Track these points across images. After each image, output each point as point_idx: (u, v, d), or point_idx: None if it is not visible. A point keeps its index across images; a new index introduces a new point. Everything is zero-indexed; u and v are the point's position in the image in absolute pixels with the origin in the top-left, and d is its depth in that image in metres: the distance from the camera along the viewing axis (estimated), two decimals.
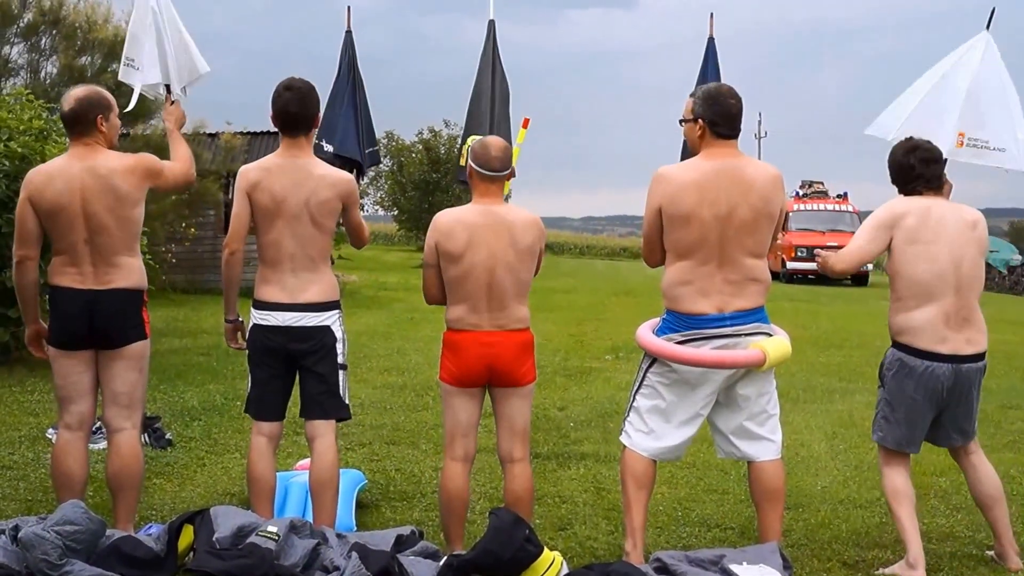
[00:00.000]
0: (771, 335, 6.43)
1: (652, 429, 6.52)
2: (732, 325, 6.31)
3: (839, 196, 44.27)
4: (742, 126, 6.48)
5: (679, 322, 6.38)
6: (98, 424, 7.19)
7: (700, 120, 6.38)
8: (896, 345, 6.74)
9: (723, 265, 6.27)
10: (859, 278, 41.76)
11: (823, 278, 40.16)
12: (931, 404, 6.67)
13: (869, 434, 10.87)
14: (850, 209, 43.32)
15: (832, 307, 28.38)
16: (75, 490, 6.61)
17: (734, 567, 6.08)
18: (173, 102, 7.35)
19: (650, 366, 6.55)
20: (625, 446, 6.61)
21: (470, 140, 6.91)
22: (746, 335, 6.33)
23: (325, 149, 9.26)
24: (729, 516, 7.92)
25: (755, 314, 6.37)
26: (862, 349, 18.63)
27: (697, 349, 6.28)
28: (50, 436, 9.32)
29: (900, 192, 6.81)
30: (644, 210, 6.46)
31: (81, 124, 6.59)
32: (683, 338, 6.34)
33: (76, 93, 6.67)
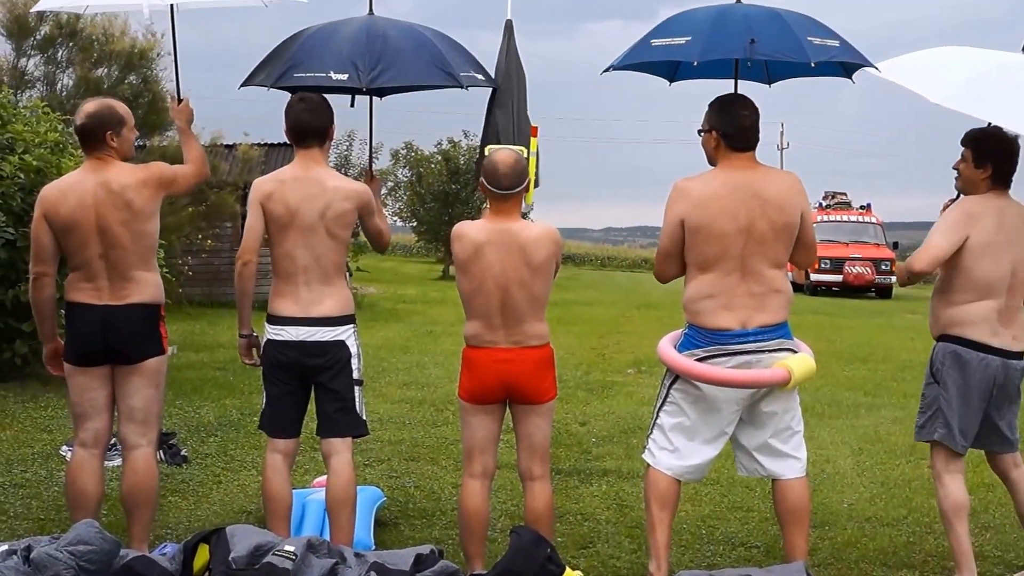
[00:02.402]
0: (795, 351, 6.33)
1: (676, 447, 6.41)
2: (755, 341, 6.21)
3: (862, 207, 44.09)
4: (759, 136, 6.40)
5: (701, 337, 6.29)
6: (113, 441, 7.11)
7: (714, 131, 6.33)
8: (946, 339, 6.62)
9: (746, 277, 6.19)
10: (883, 290, 41.64)
11: (847, 290, 40.12)
12: (983, 399, 6.56)
13: (895, 450, 10.97)
14: (874, 220, 43.19)
15: (856, 320, 28.27)
16: (89, 509, 6.52)
17: None
18: (181, 101, 7.24)
19: (673, 382, 6.45)
20: (649, 465, 6.50)
21: (488, 149, 6.77)
22: (770, 351, 6.23)
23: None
24: (754, 534, 7.83)
25: (779, 329, 6.28)
26: (887, 363, 18.55)
27: (720, 367, 6.19)
28: (63, 453, 9.26)
29: (986, 180, 6.62)
30: (664, 224, 6.35)
31: (92, 139, 6.52)
32: (705, 354, 6.25)
33: (87, 108, 6.60)
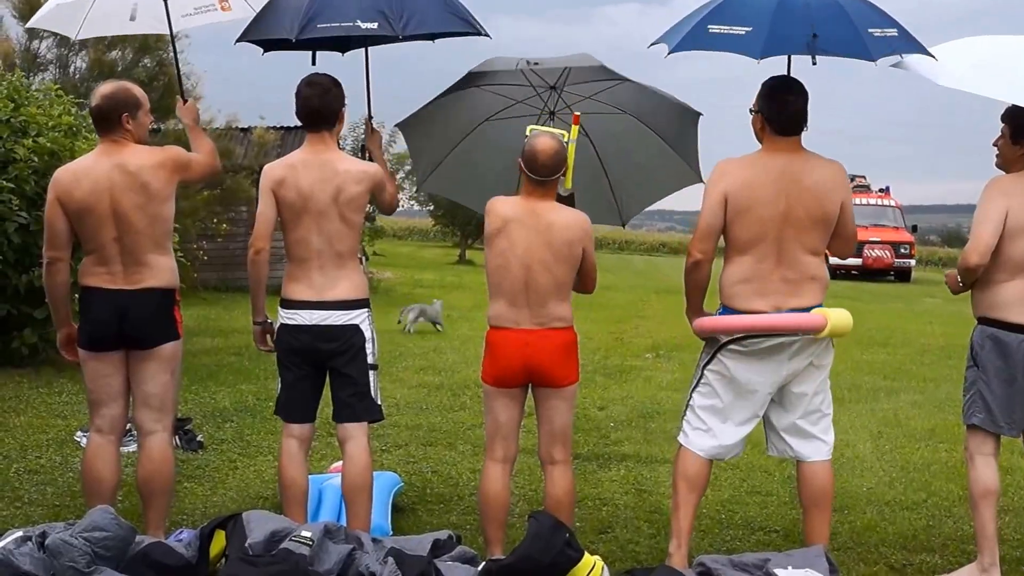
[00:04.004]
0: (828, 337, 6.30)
1: (709, 427, 6.41)
2: None
3: (881, 191, 44.01)
4: (806, 121, 6.30)
5: None
6: (129, 427, 7.09)
7: (760, 114, 6.30)
8: (985, 321, 6.54)
9: (781, 263, 6.15)
10: (902, 274, 41.52)
11: (866, 274, 40.03)
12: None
13: (915, 434, 10.93)
14: (892, 204, 43.06)
15: (876, 305, 28.21)
16: (105, 496, 6.49)
17: (779, 571, 5.96)
18: (186, 101, 7.20)
19: (707, 363, 6.43)
20: (681, 445, 6.49)
21: (528, 129, 6.69)
22: (802, 336, 6.19)
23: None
24: (773, 519, 7.82)
25: None
26: (907, 347, 18.52)
27: (753, 316, 6.16)
28: (78, 439, 9.25)
29: (1023, 157, 6.54)
30: (703, 202, 6.28)
31: (107, 122, 6.47)
32: (740, 335, 6.24)
33: (103, 90, 6.55)
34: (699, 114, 7.44)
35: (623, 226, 8.28)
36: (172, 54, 7.97)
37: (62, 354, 6.81)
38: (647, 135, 7.48)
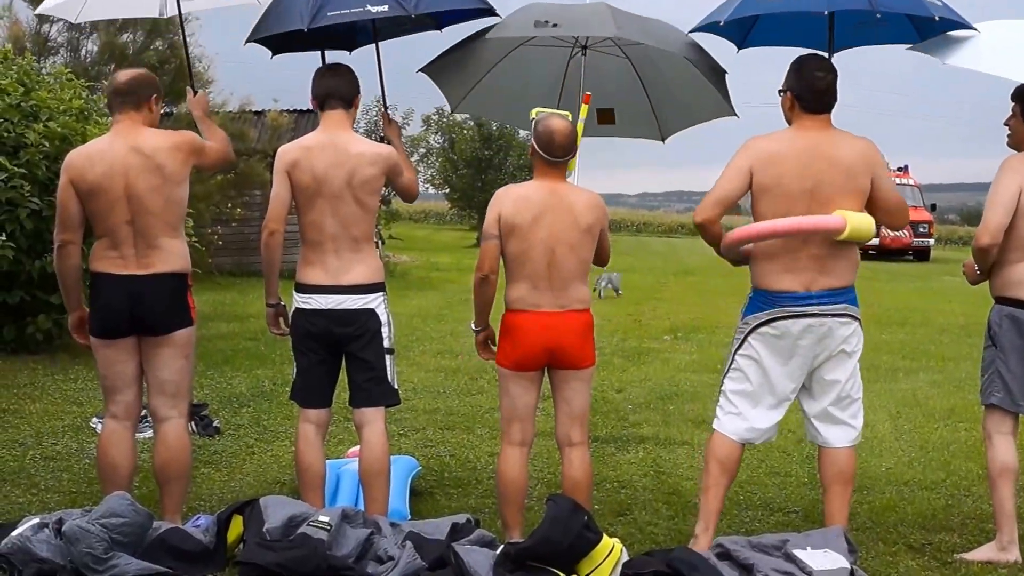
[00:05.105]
0: (859, 320, 6.29)
1: (740, 411, 6.39)
2: (819, 304, 6.15)
3: (899, 169, 43.76)
4: (835, 99, 6.27)
5: (765, 300, 6.25)
6: (144, 412, 7.04)
7: (789, 92, 6.26)
8: (1002, 301, 6.54)
9: (809, 240, 6.11)
10: (921, 253, 41.40)
11: (884, 254, 39.91)
12: None
13: (933, 414, 10.89)
14: (911, 182, 42.90)
15: (894, 284, 28.17)
16: (121, 482, 6.46)
17: (798, 552, 5.94)
18: (196, 93, 7.19)
19: (738, 348, 6.40)
20: (714, 429, 6.48)
21: (534, 112, 6.66)
22: (833, 315, 6.17)
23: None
24: (792, 499, 7.80)
25: (844, 294, 6.23)
26: (925, 327, 18.46)
27: (777, 220, 6.09)
28: (94, 426, 9.23)
29: None
30: (724, 170, 6.24)
31: (135, 97, 6.45)
32: (768, 317, 6.22)
33: (130, 72, 6.63)
34: (725, 71, 7.57)
35: (662, 141, 8.31)
36: (182, 38, 7.92)
37: (74, 338, 6.78)
38: (685, 66, 7.47)
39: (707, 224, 6.27)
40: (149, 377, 6.56)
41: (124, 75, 6.56)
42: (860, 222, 6.04)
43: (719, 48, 7.17)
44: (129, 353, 6.48)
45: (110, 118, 6.60)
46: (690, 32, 7.17)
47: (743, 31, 7.24)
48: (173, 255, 6.44)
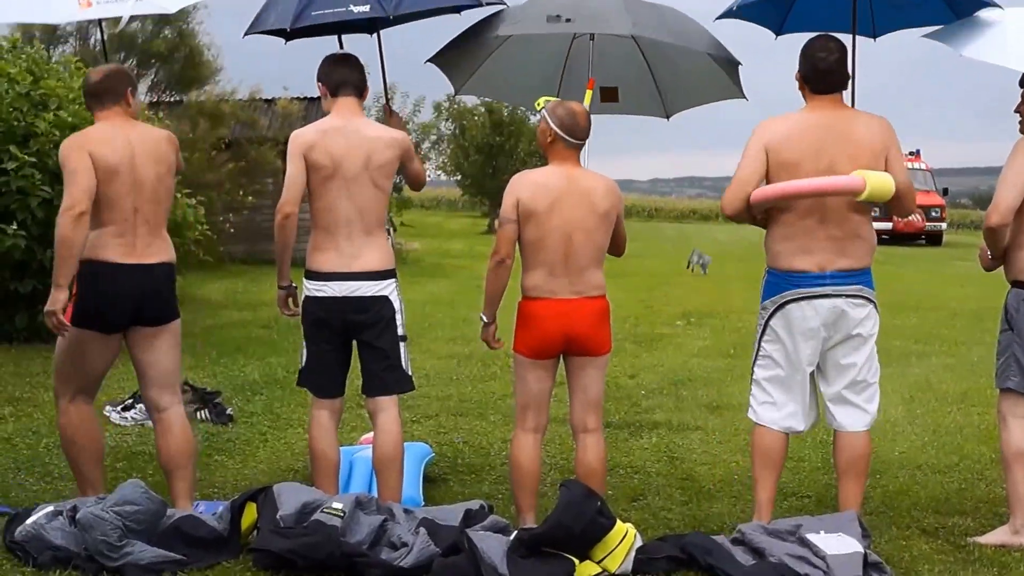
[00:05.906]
0: (875, 303, 6.29)
1: (775, 400, 6.40)
2: (833, 284, 6.16)
3: (911, 153, 43.65)
4: (844, 79, 6.30)
5: (780, 281, 6.27)
6: (131, 400, 6.98)
7: (799, 74, 6.29)
8: (1018, 285, 6.49)
9: (825, 220, 6.12)
10: (933, 238, 41.29)
11: (897, 238, 39.79)
12: None
13: (946, 398, 10.87)
14: (923, 167, 42.81)
15: (906, 268, 28.09)
16: (99, 459, 6.69)
17: (811, 536, 5.94)
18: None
19: (762, 335, 6.41)
20: (754, 424, 6.49)
21: (541, 101, 6.64)
22: (848, 296, 6.18)
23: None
24: (805, 484, 7.78)
25: (859, 276, 6.23)
26: (938, 311, 18.42)
27: (798, 180, 6.07)
28: (108, 414, 9.20)
29: None
30: (742, 157, 6.26)
31: (113, 94, 6.43)
32: (784, 299, 6.23)
33: (101, 69, 6.63)
34: (739, 63, 7.59)
35: (667, 118, 8.31)
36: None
37: (50, 320, 6.26)
38: (698, 55, 7.49)
39: (737, 216, 6.31)
40: (146, 368, 6.54)
41: (96, 74, 6.54)
42: (879, 181, 6.00)
43: (756, 36, 7.13)
44: (116, 347, 6.51)
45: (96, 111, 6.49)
46: (718, 18, 7.17)
47: (780, 16, 7.25)
48: (168, 244, 6.52)
